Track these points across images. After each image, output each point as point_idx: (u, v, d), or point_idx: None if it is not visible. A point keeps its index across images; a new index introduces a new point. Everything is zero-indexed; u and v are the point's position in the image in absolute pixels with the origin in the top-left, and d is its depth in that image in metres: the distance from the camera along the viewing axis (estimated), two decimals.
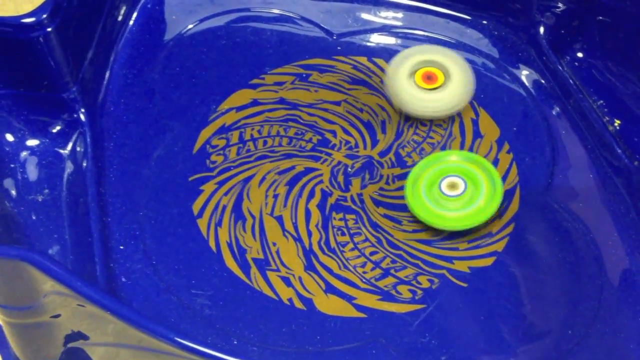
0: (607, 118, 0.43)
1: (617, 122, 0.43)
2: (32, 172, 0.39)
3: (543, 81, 0.46)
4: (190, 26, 0.47)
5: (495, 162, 0.42)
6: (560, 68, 0.45)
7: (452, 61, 0.43)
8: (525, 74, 0.46)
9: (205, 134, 0.43)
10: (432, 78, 0.41)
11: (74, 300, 0.28)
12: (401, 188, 0.41)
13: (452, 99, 0.41)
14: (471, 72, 0.42)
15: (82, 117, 0.41)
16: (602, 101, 0.44)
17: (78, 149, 0.40)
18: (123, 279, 0.36)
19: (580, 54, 0.45)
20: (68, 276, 0.27)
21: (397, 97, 0.42)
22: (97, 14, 0.43)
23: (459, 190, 0.37)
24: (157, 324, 0.26)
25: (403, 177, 0.41)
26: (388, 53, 0.47)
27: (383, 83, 0.42)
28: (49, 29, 0.37)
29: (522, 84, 0.46)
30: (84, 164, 0.40)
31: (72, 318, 0.30)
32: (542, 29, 0.46)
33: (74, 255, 0.36)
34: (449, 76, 0.41)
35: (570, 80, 0.45)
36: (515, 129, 0.44)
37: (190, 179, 0.41)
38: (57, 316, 0.30)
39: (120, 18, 0.46)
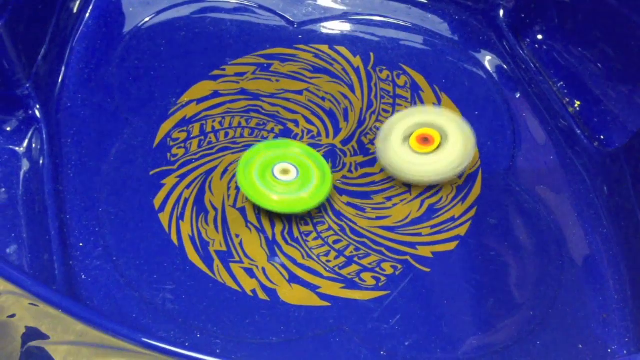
0: (567, 99, 0.43)
1: (577, 104, 0.43)
2: None
3: (504, 65, 0.46)
4: (148, 19, 0.47)
5: None
6: (520, 51, 0.45)
7: (449, 121, 0.38)
8: (486, 58, 0.46)
9: (165, 127, 0.42)
10: (429, 140, 0.37)
11: (26, 299, 0.27)
12: (364, 175, 0.41)
13: (454, 159, 0.37)
14: (470, 129, 0.38)
15: (38, 113, 0.40)
16: (562, 83, 0.44)
17: (34, 145, 0.39)
18: (83, 276, 0.36)
19: (540, 37, 0.46)
20: (19, 275, 0.26)
21: (392, 165, 0.38)
22: (50, 7, 0.42)
23: (289, 177, 0.37)
24: (114, 322, 0.25)
25: (366, 164, 0.41)
26: (349, 40, 0.47)
27: (376, 151, 0.39)
28: None
29: (483, 68, 0.46)
30: (41, 161, 0.39)
31: (28, 317, 0.29)
32: (502, 12, 0.46)
33: (32, 254, 0.35)
34: (446, 136, 0.38)
35: (531, 63, 0.45)
36: (476, 112, 0.44)
37: (151, 173, 0.40)
38: (13, 316, 0.29)
39: (75, 11, 0.45)
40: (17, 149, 0.39)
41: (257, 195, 0.37)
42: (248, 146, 0.42)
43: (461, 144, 0.37)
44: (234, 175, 0.40)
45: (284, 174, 0.37)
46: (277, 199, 0.37)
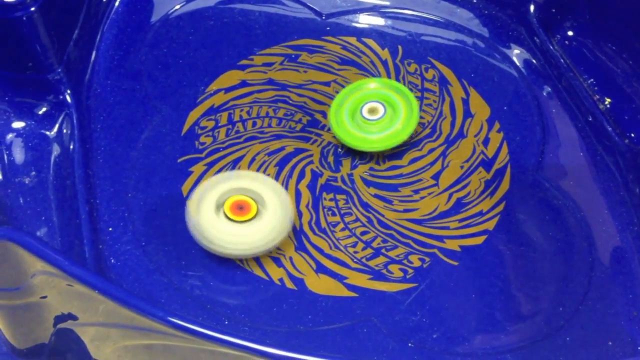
0: (598, 96, 0.43)
1: (607, 101, 0.43)
2: (19, 155, 0.38)
3: (534, 60, 0.45)
4: (177, 7, 0.47)
5: (486, 141, 0.42)
6: (550, 47, 0.45)
7: (264, 186, 0.35)
8: (515, 53, 0.46)
9: (193, 115, 0.42)
10: (244, 208, 0.34)
11: (62, 280, 0.27)
12: (392, 168, 0.41)
13: (268, 232, 0.34)
14: (287, 195, 0.35)
15: (68, 98, 0.40)
16: (592, 80, 0.44)
17: (65, 130, 0.40)
18: (112, 261, 0.36)
19: (570, 33, 0.45)
20: (56, 256, 0.26)
21: (202, 234, 0.34)
22: None
23: (378, 114, 0.39)
24: (146, 302, 0.26)
25: (393, 157, 0.41)
26: (378, 33, 0.47)
27: (187, 219, 0.34)
28: (32, 9, 0.37)
29: (512, 63, 0.46)
30: (71, 146, 0.39)
31: (61, 298, 0.29)
32: (532, 8, 0.46)
33: (62, 238, 0.36)
34: (264, 204, 0.34)
35: (561, 59, 0.45)
36: (505, 108, 0.43)
37: (179, 160, 0.40)
38: (45, 297, 0.30)
39: None
40: (47, 133, 0.39)
41: (358, 141, 0.39)
42: (275, 136, 0.42)
43: (280, 212, 0.34)
44: (261, 164, 0.40)
45: (372, 114, 0.39)
46: (375, 138, 0.39)
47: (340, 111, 0.39)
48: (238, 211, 0.35)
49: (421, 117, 0.43)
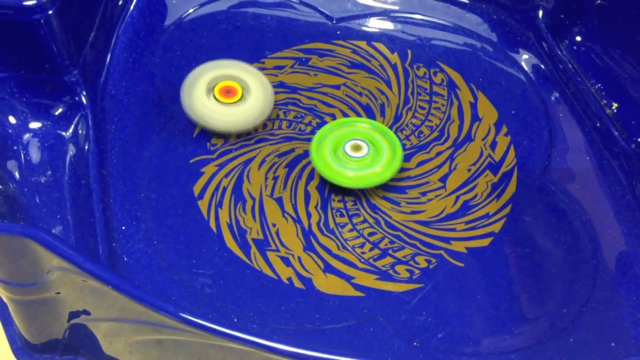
0: (605, 101, 0.43)
1: (614, 105, 0.43)
2: (35, 154, 0.39)
3: (542, 65, 0.46)
4: (191, 10, 0.48)
5: (494, 145, 0.43)
6: (558, 52, 0.45)
7: (250, 75, 0.41)
8: (524, 58, 0.46)
9: None
10: (231, 92, 0.40)
11: (77, 276, 0.28)
12: (400, 170, 0.41)
13: (252, 112, 0.40)
14: (269, 85, 0.42)
15: (84, 99, 0.41)
16: (600, 84, 0.44)
17: (80, 131, 0.40)
18: (125, 259, 0.37)
19: (578, 38, 0.46)
20: (72, 252, 0.27)
21: (194, 112, 0.40)
22: None
23: (361, 153, 0.39)
24: (158, 298, 0.26)
25: (402, 160, 0.42)
26: (388, 37, 0.47)
27: (181, 99, 0.41)
28: (50, 12, 0.38)
29: (520, 68, 0.46)
30: (86, 146, 0.40)
31: (75, 294, 0.30)
32: (541, 13, 0.46)
33: (77, 236, 0.37)
34: (248, 90, 0.41)
35: (569, 64, 0.45)
36: (513, 112, 0.44)
37: (191, 161, 0.41)
38: (61, 292, 0.30)
39: (120, 2, 0.46)
40: (63, 133, 0.40)
41: (333, 173, 0.39)
42: (285, 138, 0.42)
43: (262, 96, 0.41)
44: (271, 166, 0.41)
45: (355, 151, 0.39)
46: (352, 175, 0.39)
47: (324, 142, 0.40)
48: (226, 94, 0.41)
49: (429, 120, 0.44)
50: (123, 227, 0.38)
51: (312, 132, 0.42)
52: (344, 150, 0.39)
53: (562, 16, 0.46)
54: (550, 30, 0.46)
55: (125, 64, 0.44)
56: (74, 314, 0.31)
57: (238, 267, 0.37)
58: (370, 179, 0.39)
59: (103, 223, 0.37)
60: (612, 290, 0.36)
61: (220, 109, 0.40)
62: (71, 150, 0.40)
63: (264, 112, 0.41)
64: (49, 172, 0.39)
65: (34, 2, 0.37)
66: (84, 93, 0.41)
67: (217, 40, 0.46)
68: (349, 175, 0.39)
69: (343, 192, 0.40)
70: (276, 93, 0.45)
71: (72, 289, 0.30)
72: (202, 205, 0.39)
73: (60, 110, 0.41)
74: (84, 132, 0.40)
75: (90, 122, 0.41)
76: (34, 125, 0.40)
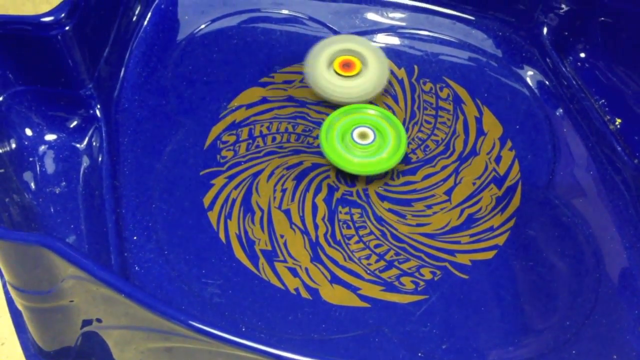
0: (608, 117, 0.44)
1: (618, 121, 0.44)
2: (50, 166, 0.40)
3: (546, 81, 0.47)
4: (203, 26, 0.49)
5: (498, 159, 0.43)
6: (563, 68, 0.46)
7: (368, 50, 0.44)
8: (528, 74, 0.47)
9: (216, 130, 0.44)
10: (350, 66, 0.43)
11: (91, 284, 0.29)
12: (406, 183, 0.42)
13: (368, 86, 0.43)
14: (386, 59, 0.44)
15: (98, 113, 0.42)
16: (603, 100, 0.45)
17: (94, 143, 0.41)
18: (136, 268, 0.37)
19: (582, 54, 0.46)
20: (86, 261, 0.28)
21: (317, 84, 0.43)
22: (113, 14, 0.45)
23: (368, 140, 0.41)
24: (169, 307, 0.27)
25: (408, 172, 0.42)
26: (394, 53, 0.48)
27: (304, 72, 0.44)
28: (67, 28, 0.39)
29: (525, 84, 0.47)
30: (100, 158, 0.41)
31: (88, 302, 0.31)
32: (545, 30, 0.47)
33: (90, 245, 0.37)
34: (366, 64, 0.43)
35: (573, 80, 0.46)
36: (518, 127, 0.45)
37: (201, 173, 0.42)
38: (75, 300, 0.31)
39: (135, 18, 0.47)
40: (78, 145, 0.41)
41: (340, 159, 0.41)
42: (294, 151, 0.43)
43: (379, 69, 0.43)
44: (280, 178, 0.42)
45: (362, 138, 0.41)
46: (357, 162, 0.41)
47: (332, 129, 0.42)
48: (345, 68, 0.43)
49: (435, 135, 0.44)
50: (135, 237, 0.39)
51: (319, 144, 0.43)
52: (351, 137, 0.41)
53: (566, 33, 0.47)
54: (555, 46, 0.47)
55: (138, 78, 0.45)
56: (86, 322, 0.32)
57: (246, 278, 0.38)
58: (376, 165, 0.41)
59: (115, 233, 0.38)
60: (615, 304, 0.36)
61: (339, 82, 0.43)
62: (85, 162, 0.41)
63: (379, 85, 0.43)
64: (64, 183, 0.40)
65: (52, 18, 0.38)
66: (99, 106, 0.42)
67: (228, 55, 0.48)
68: (354, 161, 0.41)
69: (350, 204, 0.41)
70: (285, 107, 0.46)
71: (86, 297, 0.31)
72: (212, 216, 0.40)
73: (75, 123, 0.42)
74: (97, 145, 0.41)
75: (104, 134, 0.42)
76: (50, 137, 0.41)
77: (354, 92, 0.43)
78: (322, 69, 0.43)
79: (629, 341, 0.35)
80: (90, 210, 0.39)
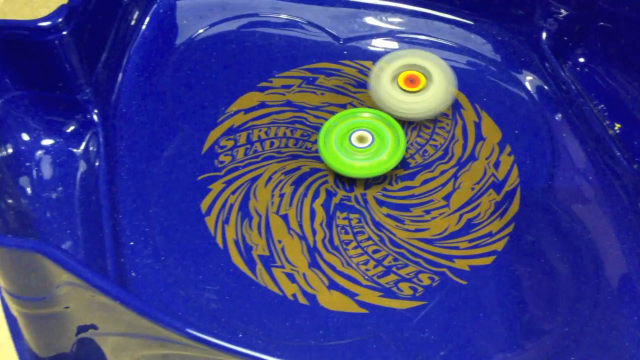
0: (608, 122, 0.44)
1: (617, 126, 0.43)
2: (47, 171, 0.40)
3: (545, 85, 0.46)
4: (201, 31, 0.49)
5: (497, 164, 0.43)
6: (562, 73, 0.46)
7: (434, 65, 0.43)
8: (527, 79, 0.47)
9: (214, 135, 0.44)
10: (415, 81, 0.43)
11: (86, 291, 0.29)
12: (404, 188, 0.42)
13: (433, 102, 0.42)
14: (452, 74, 0.43)
15: (95, 118, 0.42)
16: (602, 105, 0.45)
17: (91, 148, 0.41)
18: (133, 273, 0.37)
19: (582, 59, 0.46)
20: (81, 268, 0.28)
21: (380, 100, 0.43)
22: (111, 18, 0.45)
23: (366, 143, 0.41)
24: (165, 314, 0.27)
25: (406, 177, 0.42)
26: None
27: (368, 87, 0.43)
28: (64, 32, 0.39)
29: (524, 88, 0.47)
30: (97, 163, 0.41)
31: (83, 309, 0.31)
32: (544, 35, 0.47)
33: (86, 250, 0.37)
34: (431, 79, 0.43)
35: (572, 85, 0.46)
36: (517, 131, 0.44)
37: (199, 178, 0.42)
38: (70, 307, 0.31)
39: (133, 22, 0.47)
40: (75, 150, 0.41)
41: (341, 165, 0.41)
42: (292, 156, 0.43)
43: (444, 86, 0.42)
44: (278, 183, 0.42)
45: (361, 142, 0.41)
46: (359, 165, 0.40)
47: (330, 135, 0.41)
48: (410, 83, 0.43)
49: (433, 140, 0.44)
50: (132, 243, 0.39)
51: (318, 151, 0.43)
52: (350, 141, 0.41)
53: (566, 38, 0.47)
54: (554, 51, 0.47)
55: (136, 83, 0.45)
56: (82, 328, 0.32)
57: (244, 283, 0.37)
58: (377, 167, 0.41)
59: (112, 238, 0.38)
60: (614, 310, 0.36)
61: (403, 97, 0.42)
62: (82, 167, 0.41)
63: (445, 101, 0.42)
64: (60, 188, 0.40)
65: (49, 23, 0.38)
66: (96, 111, 0.42)
67: (227, 60, 0.47)
68: (356, 165, 0.40)
69: (348, 209, 0.41)
70: (283, 112, 0.45)
71: (81, 304, 0.31)
72: (209, 221, 0.40)
73: (72, 127, 0.42)
74: (94, 150, 0.41)
75: (101, 139, 0.42)
76: (47, 142, 0.41)
77: (419, 108, 0.42)
78: (386, 85, 0.42)
79: (628, 348, 0.34)
80: (87, 216, 0.39)
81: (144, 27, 0.48)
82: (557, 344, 0.35)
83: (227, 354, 0.27)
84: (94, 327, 0.32)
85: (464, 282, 0.38)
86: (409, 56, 0.44)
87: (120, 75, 0.45)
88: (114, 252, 0.37)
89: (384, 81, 0.43)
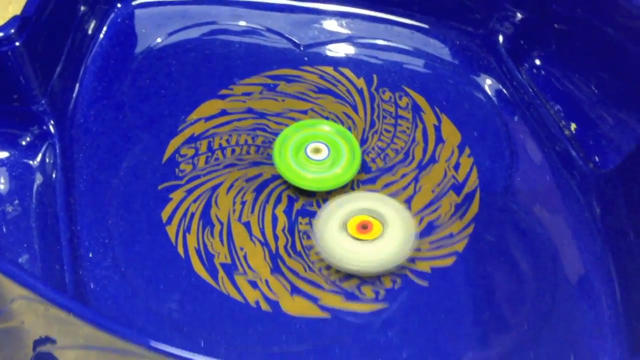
0: (564, 122, 0.45)
1: (573, 126, 0.44)
2: (2, 184, 0.39)
3: (503, 88, 0.47)
4: (160, 39, 0.49)
5: (457, 166, 0.44)
6: (519, 75, 0.47)
7: (388, 207, 0.37)
8: (486, 82, 0.48)
9: (174, 143, 0.44)
10: (368, 227, 0.36)
11: (39, 304, 0.28)
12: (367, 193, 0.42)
13: (391, 250, 0.36)
14: (411, 217, 0.37)
15: (52, 129, 0.41)
16: (558, 106, 0.45)
17: (47, 160, 0.41)
18: (92, 285, 0.37)
19: (538, 62, 0.47)
20: (33, 281, 0.28)
21: (327, 249, 0.36)
22: (66, 28, 0.44)
23: (322, 155, 0.40)
24: (119, 324, 0.27)
25: (368, 182, 0.42)
26: (354, 63, 0.48)
27: (312, 234, 0.37)
28: (17, 44, 0.38)
29: (482, 91, 0.47)
30: (54, 175, 0.40)
31: (39, 323, 0.30)
32: (501, 38, 0.48)
33: (43, 264, 0.37)
34: (387, 224, 0.36)
35: (529, 87, 0.46)
36: (476, 134, 0.45)
37: (160, 187, 0.41)
38: (25, 321, 0.31)
39: (90, 32, 0.47)
40: (30, 162, 0.41)
41: (294, 176, 0.40)
42: (254, 163, 0.43)
43: (402, 234, 0.36)
44: (239, 190, 0.42)
45: (316, 153, 0.40)
46: (311, 177, 0.40)
47: (286, 145, 0.41)
48: (362, 230, 0.36)
49: (394, 143, 0.45)
50: (90, 254, 0.38)
51: (274, 164, 0.43)
52: (305, 153, 0.40)
53: (522, 41, 0.47)
54: (511, 54, 0.48)
55: (94, 93, 0.45)
56: (39, 342, 0.31)
57: (206, 292, 0.37)
58: (331, 181, 0.40)
59: (70, 251, 0.37)
60: (572, 306, 0.37)
61: (355, 247, 0.35)
62: (38, 179, 0.40)
63: (404, 250, 0.36)
64: (16, 201, 0.39)
65: (1, 34, 0.38)
66: (52, 122, 0.41)
67: (187, 68, 0.47)
68: (308, 177, 0.40)
69: (310, 215, 0.41)
70: (245, 119, 0.45)
71: (37, 318, 0.30)
72: (170, 230, 0.40)
73: (27, 139, 0.41)
74: (51, 161, 0.41)
75: (58, 150, 0.41)
76: (1, 155, 0.40)
77: (373, 259, 0.35)
78: (334, 233, 0.35)
79: (586, 343, 0.35)
80: (44, 229, 0.38)
81: (101, 36, 0.47)
82: (517, 341, 0.35)
83: None
84: (51, 340, 0.31)
85: (425, 284, 0.38)
86: (361, 199, 0.37)
87: (77, 85, 0.44)
88: (71, 264, 0.37)
89: (331, 229, 0.36)
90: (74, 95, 0.44)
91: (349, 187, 0.42)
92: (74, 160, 0.42)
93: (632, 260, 0.36)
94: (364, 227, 0.36)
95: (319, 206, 0.41)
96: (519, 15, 0.47)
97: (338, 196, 0.39)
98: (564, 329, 0.35)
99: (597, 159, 0.42)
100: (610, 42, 0.43)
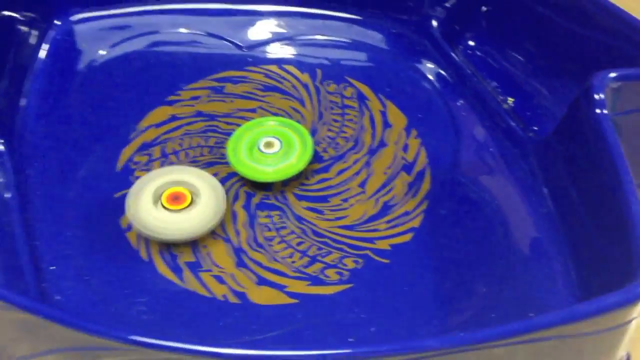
0: (502, 97, 0.47)
1: (510, 100, 0.47)
2: None
3: (441, 70, 0.49)
4: (103, 52, 0.49)
5: (405, 148, 0.45)
6: (455, 57, 0.49)
7: (199, 179, 0.39)
8: (425, 65, 0.50)
9: (127, 152, 0.44)
10: (180, 198, 0.38)
11: (11, 312, 0.28)
12: (320, 181, 0.43)
13: (202, 219, 0.38)
14: (221, 189, 0.39)
15: (1, 147, 0.41)
16: (495, 83, 0.48)
17: (0, 180, 0.40)
18: (57, 297, 0.37)
19: (472, 42, 0.49)
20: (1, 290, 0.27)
21: (140, 222, 0.37)
22: (5, 47, 0.44)
23: (274, 148, 0.42)
24: (78, 318, 0.27)
25: (321, 170, 0.44)
26: (297, 59, 0.50)
27: (125, 213, 0.38)
28: None
29: (423, 75, 0.49)
30: (6, 195, 0.40)
31: (11, 331, 0.30)
32: (434, 23, 0.50)
33: (6, 282, 0.36)
34: (198, 193, 0.38)
35: (466, 68, 0.48)
36: (420, 116, 0.47)
37: (116, 195, 0.42)
38: None
39: (30, 50, 0.47)
40: None
41: (253, 172, 0.41)
42: (208, 164, 0.44)
43: (213, 201, 0.38)
44: None
45: (269, 147, 0.41)
46: (271, 171, 0.41)
47: (239, 144, 0.42)
48: (174, 201, 0.38)
49: (343, 132, 0.46)
50: (52, 268, 0.38)
51: (229, 163, 0.44)
52: (258, 149, 0.41)
53: (455, 24, 0.50)
54: (445, 38, 0.50)
55: (40, 109, 0.45)
56: (11, 350, 0.31)
57: (172, 291, 0.38)
58: (287, 170, 0.41)
59: (31, 266, 0.37)
60: (525, 265, 0.38)
61: (169, 218, 0.37)
62: None
63: (216, 214, 0.38)
64: None
65: None
66: (1, 141, 0.41)
67: (132, 78, 0.48)
68: (268, 171, 0.41)
69: (269, 208, 0.42)
70: (195, 122, 0.46)
71: (9, 327, 0.30)
72: (131, 236, 0.40)
73: None
74: (4, 180, 0.41)
75: (9, 169, 0.41)
76: None
77: (185, 227, 0.37)
78: (147, 206, 0.37)
79: (542, 299, 0.37)
80: (2, 247, 0.38)
81: (44, 54, 0.47)
82: (479, 304, 0.37)
83: (161, 351, 0.27)
84: (23, 350, 0.31)
85: (386, 261, 0.39)
86: (171, 173, 0.39)
87: (24, 102, 0.44)
88: (34, 278, 0.37)
89: (145, 202, 0.37)
90: (21, 113, 0.44)
91: (304, 177, 0.43)
92: (27, 177, 0.41)
93: (576, 214, 0.38)
94: (176, 198, 0.38)
95: (276, 199, 0.42)
96: (450, 0, 0.49)
97: (151, 171, 0.40)
98: (521, 288, 0.37)
99: (535, 127, 0.45)
100: (539, 18, 0.45)
